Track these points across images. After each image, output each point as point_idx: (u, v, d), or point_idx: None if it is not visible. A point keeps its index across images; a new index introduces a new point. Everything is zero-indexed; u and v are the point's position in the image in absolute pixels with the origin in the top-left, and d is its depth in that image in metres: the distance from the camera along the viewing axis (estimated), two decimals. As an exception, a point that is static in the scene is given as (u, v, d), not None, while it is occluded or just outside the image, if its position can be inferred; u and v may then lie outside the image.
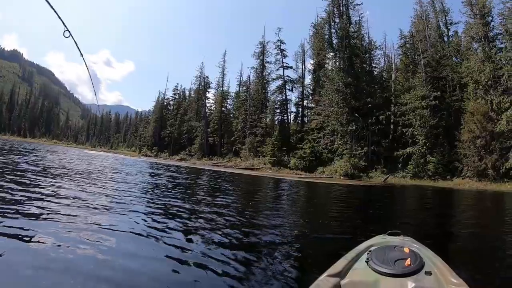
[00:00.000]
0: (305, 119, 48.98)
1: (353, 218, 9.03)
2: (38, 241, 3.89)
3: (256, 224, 6.45)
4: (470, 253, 5.51)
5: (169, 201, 8.69)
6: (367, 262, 2.16)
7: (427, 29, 38.77)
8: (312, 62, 49.98)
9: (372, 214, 10.34)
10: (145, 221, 5.73)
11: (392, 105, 37.15)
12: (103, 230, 4.74)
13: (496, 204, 16.34)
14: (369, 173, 33.00)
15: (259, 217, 7.44)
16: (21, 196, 6.57)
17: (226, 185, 16.74)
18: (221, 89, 61.30)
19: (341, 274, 2.06)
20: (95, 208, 6.31)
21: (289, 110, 50.96)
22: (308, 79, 51.69)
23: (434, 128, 31.99)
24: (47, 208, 5.78)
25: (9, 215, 4.93)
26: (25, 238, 3.93)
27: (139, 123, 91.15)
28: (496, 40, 31.48)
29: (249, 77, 57.07)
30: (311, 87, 49.98)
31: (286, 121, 50.02)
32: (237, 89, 63.12)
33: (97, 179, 12.06)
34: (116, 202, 7.34)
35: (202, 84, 64.07)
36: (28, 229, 4.26)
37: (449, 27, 39.35)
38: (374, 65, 44.41)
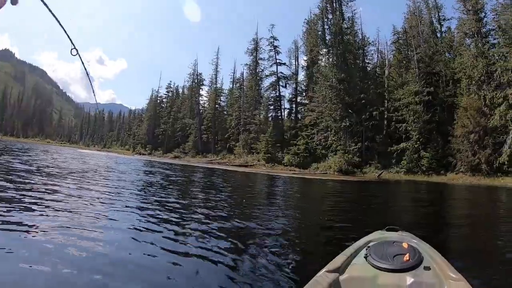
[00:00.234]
0: (299, 116, 49.03)
1: (348, 214, 8.95)
2: (35, 237, 3.93)
3: (251, 221, 6.38)
4: (466, 247, 5.48)
5: (164, 198, 8.58)
6: (365, 257, 2.15)
7: (420, 25, 38.86)
8: (305, 58, 50.23)
9: (367, 209, 10.26)
10: (141, 217, 5.74)
11: (386, 101, 37.21)
12: (99, 227, 4.76)
13: (490, 198, 16.41)
14: (363, 168, 33.12)
15: (254, 214, 7.42)
16: (15, 195, 6.49)
17: (220, 182, 16.70)
18: (215, 86, 61.33)
19: (340, 270, 2.04)
20: (90, 205, 6.33)
21: (283, 107, 51.16)
22: (301, 76, 51.81)
23: (427, 123, 32.17)
24: (43, 204, 5.76)
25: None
26: (22, 231, 4.00)
27: (133, 121, 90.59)
28: (489, 36, 31.66)
29: (243, 74, 57.26)
30: (304, 84, 50.06)
31: (279, 117, 50.15)
32: (231, 86, 63.24)
33: (91, 177, 11.98)
34: (111, 200, 7.31)
35: (196, 81, 63.97)
36: (24, 224, 4.31)
37: (442, 23, 39.43)
38: (367, 61, 44.64)
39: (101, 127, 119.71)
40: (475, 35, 31.24)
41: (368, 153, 35.09)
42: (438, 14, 39.40)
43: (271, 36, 50.40)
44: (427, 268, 1.97)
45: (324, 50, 43.41)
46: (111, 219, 5.35)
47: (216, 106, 59.13)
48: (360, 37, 43.62)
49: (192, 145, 56.78)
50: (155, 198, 8.46)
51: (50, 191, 7.37)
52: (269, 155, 40.14)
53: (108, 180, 11.94)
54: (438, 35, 39.23)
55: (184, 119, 62.31)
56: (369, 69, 43.96)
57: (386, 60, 43.09)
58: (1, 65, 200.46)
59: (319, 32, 45.93)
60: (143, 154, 60.98)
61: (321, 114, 39.76)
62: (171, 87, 72.83)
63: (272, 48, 50.59)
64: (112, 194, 8.11)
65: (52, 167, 14.73)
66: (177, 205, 7.41)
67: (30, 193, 6.81)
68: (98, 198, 7.30)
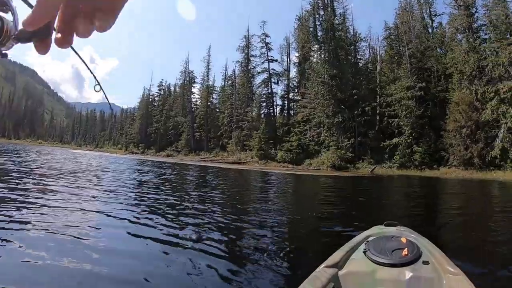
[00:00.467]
0: (291, 112, 49.10)
1: (343, 209, 8.90)
2: (30, 235, 3.93)
3: (246, 217, 6.35)
4: (461, 240, 5.46)
5: (157, 196, 8.49)
6: (364, 252, 2.15)
7: (412, 21, 39.07)
8: (297, 54, 50.16)
9: (361, 205, 10.21)
10: (135, 217, 5.64)
11: (378, 96, 37.41)
12: (94, 226, 4.71)
13: (483, 192, 16.51)
14: (356, 164, 33.24)
15: (249, 210, 7.40)
16: (10, 196, 6.44)
17: (214, 180, 16.64)
18: (207, 83, 61.03)
19: (339, 265, 2.04)
20: (85, 204, 6.33)
21: (275, 103, 51.08)
22: (293, 72, 51.86)
23: (419, 118, 32.40)
24: (37, 205, 5.77)
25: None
26: (21, 229, 4.08)
27: (125, 120, 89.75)
28: (480, 31, 31.97)
29: (234, 71, 57.08)
30: (296, 80, 50.09)
31: (272, 114, 50.02)
32: (223, 83, 62.89)
33: (85, 178, 11.92)
34: (105, 199, 7.27)
35: (187, 79, 63.60)
36: (22, 222, 4.41)
37: (433, 19, 39.77)
38: (359, 57, 44.79)
39: (93, 127, 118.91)
40: (467, 30, 31.45)
41: (361, 149, 35.21)
42: (430, 10, 39.70)
43: (263, 33, 50.45)
44: (425, 263, 1.98)
45: (316, 46, 43.49)
46: (104, 219, 5.30)
47: (208, 103, 58.90)
48: (352, 33, 43.96)
49: (184, 143, 56.57)
50: (148, 196, 8.37)
51: (44, 191, 7.46)
52: (262, 152, 40.10)
53: (102, 180, 11.90)
54: (430, 30, 39.56)
55: (176, 117, 62.00)
56: (361, 65, 44.10)
57: (378, 56, 43.32)
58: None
59: (311, 28, 45.94)
60: (136, 153, 60.64)
61: (313, 110, 39.81)
62: (163, 85, 72.43)
63: (264, 45, 50.55)
64: (107, 193, 8.17)
65: (45, 168, 14.62)
66: (170, 205, 7.33)
67: (25, 193, 6.97)
68: (93, 197, 7.39)
